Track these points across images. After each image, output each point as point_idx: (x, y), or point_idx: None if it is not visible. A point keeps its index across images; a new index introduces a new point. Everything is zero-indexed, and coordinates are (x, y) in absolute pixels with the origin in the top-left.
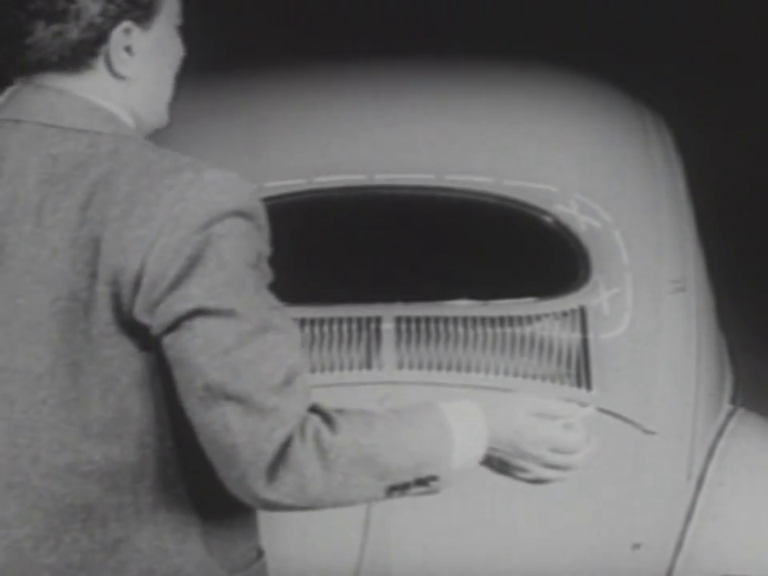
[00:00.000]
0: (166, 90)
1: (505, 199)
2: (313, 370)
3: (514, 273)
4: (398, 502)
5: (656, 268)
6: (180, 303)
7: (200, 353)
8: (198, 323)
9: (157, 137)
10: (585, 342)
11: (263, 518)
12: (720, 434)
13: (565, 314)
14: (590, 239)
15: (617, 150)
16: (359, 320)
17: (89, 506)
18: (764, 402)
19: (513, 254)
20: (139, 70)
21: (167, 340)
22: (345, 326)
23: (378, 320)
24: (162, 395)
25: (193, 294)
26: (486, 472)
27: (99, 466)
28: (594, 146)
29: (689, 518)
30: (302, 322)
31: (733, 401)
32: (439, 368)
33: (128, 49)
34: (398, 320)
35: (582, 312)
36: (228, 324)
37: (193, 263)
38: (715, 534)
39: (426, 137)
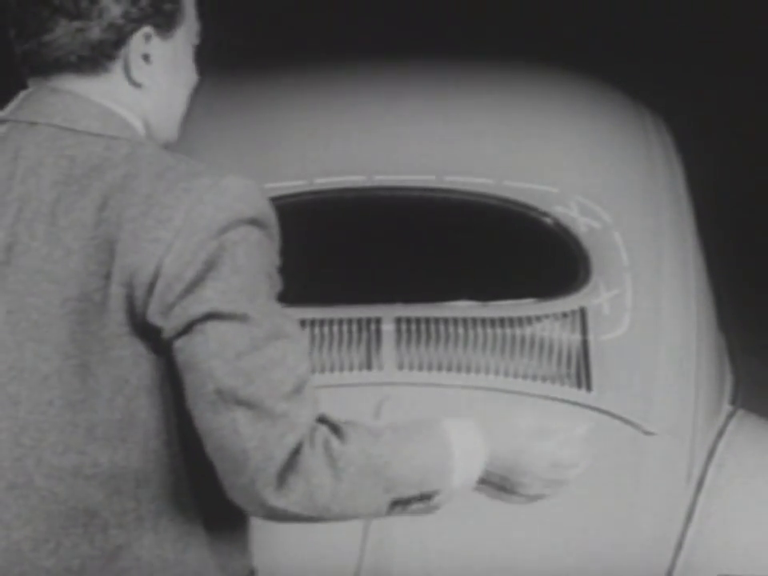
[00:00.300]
0: (179, 105)
1: (505, 200)
2: (313, 371)
3: (514, 274)
4: None
5: (656, 269)
6: (194, 306)
7: (212, 356)
8: (212, 327)
9: None
10: (585, 343)
11: (259, 520)
12: (720, 434)
13: (565, 315)
14: (590, 240)
15: (617, 151)
16: (359, 321)
17: (91, 511)
18: (764, 403)
19: (513, 255)
20: (155, 80)
21: (179, 343)
22: (345, 327)
23: (378, 321)
24: (170, 401)
25: (207, 297)
26: None
27: (103, 469)
28: (594, 147)
29: (689, 518)
30: (303, 323)
31: (733, 402)
32: (439, 369)
33: (146, 56)
34: (398, 321)
35: (582, 313)
36: (241, 328)
37: (208, 268)
38: (715, 534)
39: (426, 138)
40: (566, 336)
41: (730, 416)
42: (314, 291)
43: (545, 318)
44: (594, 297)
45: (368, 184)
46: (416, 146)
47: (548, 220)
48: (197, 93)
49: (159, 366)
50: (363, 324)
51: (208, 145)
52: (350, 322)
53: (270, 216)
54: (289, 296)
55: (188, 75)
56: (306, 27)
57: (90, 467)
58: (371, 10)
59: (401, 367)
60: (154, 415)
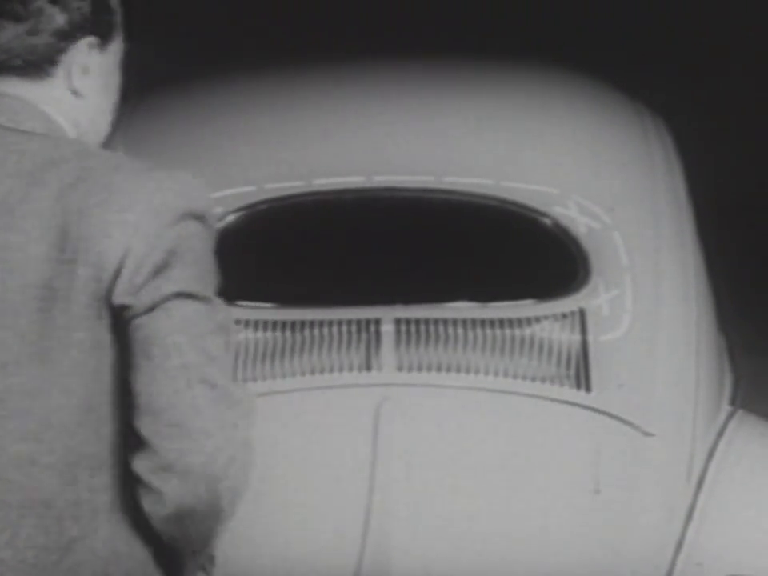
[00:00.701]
0: (108, 116)
1: (504, 201)
2: (312, 372)
3: (513, 275)
4: (399, 501)
5: (656, 269)
6: (164, 285)
7: (178, 332)
8: (179, 305)
9: (157, 136)
10: (584, 344)
11: (261, 518)
12: (720, 435)
13: (564, 315)
14: (589, 241)
15: (616, 152)
16: (359, 322)
17: (46, 501)
18: (764, 403)
19: (512, 256)
20: (91, 89)
21: (143, 320)
22: (344, 328)
23: (378, 322)
24: (122, 388)
25: (176, 278)
26: (486, 473)
27: (59, 457)
28: (594, 148)
29: (689, 518)
30: (302, 324)
31: (732, 402)
32: (439, 370)
33: (85, 66)
34: (398, 322)
35: (582, 314)
36: (205, 311)
37: (172, 255)
38: (715, 534)
39: (425, 139)
40: (565, 337)
41: (730, 416)
42: (314, 292)
43: (544, 319)
44: (594, 297)
45: (367, 185)
46: (415, 147)
47: (547, 221)
48: (196, 92)
49: (116, 351)
50: (362, 325)
51: (207, 145)
52: (349, 323)
53: (214, 216)
54: (289, 297)
55: (116, 87)
56: (305, 26)
57: (46, 455)
58: (372, 9)
59: (400, 368)
60: (108, 401)
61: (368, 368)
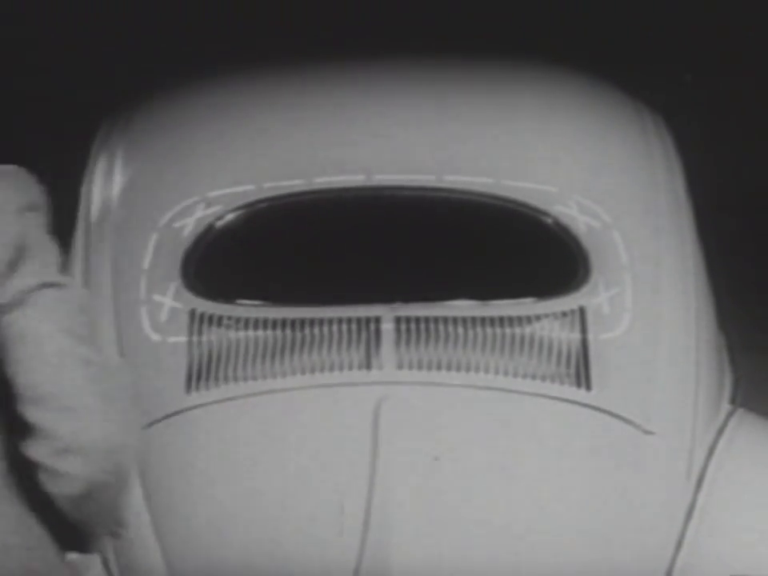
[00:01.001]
0: None
1: (504, 200)
2: (312, 371)
3: (513, 273)
4: (399, 500)
5: (655, 268)
6: (23, 281)
7: (46, 321)
8: (43, 296)
9: (157, 136)
10: (584, 342)
11: (261, 517)
12: (719, 433)
13: (564, 314)
14: (589, 240)
15: (616, 151)
16: (359, 320)
17: None
18: (763, 402)
19: (512, 255)
20: None
21: (10, 317)
22: (344, 327)
23: (378, 320)
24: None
25: (33, 272)
26: (486, 472)
27: None
28: (594, 147)
29: (688, 516)
30: (302, 323)
31: (732, 401)
32: (439, 368)
33: None
34: (398, 320)
35: (582, 312)
36: (64, 294)
37: (20, 249)
38: (715, 533)
39: (425, 137)
40: (565, 335)
41: (730, 415)
42: (314, 290)
43: (544, 318)
44: (594, 296)
45: (367, 183)
46: (416, 146)
47: (547, 219)
48: (195, 92)
49: None
50: (363, 323)
51: (206, 144)
52: (349, 321)
53: (45, 203)
54: (288, 296)
55: None
56: (305, 26)
57: None
58: (372, 8)
59: (400, 367)
60: None
61: (368, 366)
